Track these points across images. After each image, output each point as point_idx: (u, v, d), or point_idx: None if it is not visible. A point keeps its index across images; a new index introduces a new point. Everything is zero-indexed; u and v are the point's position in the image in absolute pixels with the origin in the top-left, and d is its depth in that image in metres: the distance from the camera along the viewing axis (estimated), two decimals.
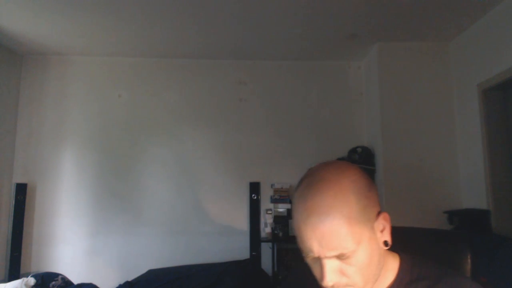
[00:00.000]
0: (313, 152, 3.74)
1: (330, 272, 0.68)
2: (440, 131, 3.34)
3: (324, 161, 0.77)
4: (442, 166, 3.29)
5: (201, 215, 3.69)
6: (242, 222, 3.67)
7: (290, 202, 3.57)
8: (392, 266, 0.78)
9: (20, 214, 3.43)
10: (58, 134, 3.72)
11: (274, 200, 3.65)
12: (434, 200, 3.20)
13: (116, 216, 3.64)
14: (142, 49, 3.67)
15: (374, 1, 2.71)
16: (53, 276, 2.75)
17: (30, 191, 3.56)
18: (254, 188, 3.61)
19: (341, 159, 3.51)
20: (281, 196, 3.63)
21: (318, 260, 0.69)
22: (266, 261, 3.47)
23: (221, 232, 3.66)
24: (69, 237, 3.59)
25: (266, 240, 3.50)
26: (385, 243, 0.73)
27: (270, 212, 3.63)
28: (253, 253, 3.44)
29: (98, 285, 2.80)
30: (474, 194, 3.05)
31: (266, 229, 3.61)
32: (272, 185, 3.68)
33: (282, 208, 3.63)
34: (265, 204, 3.68)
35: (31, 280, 2.54)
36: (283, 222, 3.54)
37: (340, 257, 0.68)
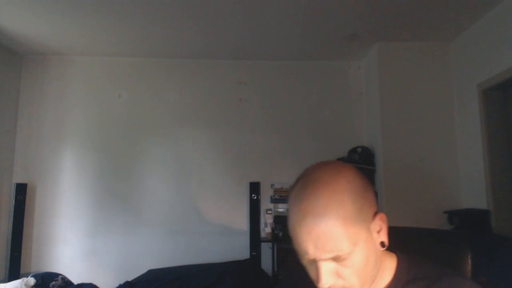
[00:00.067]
0: (313, 152, 3.74)
1: (326, 274, 0.67)
2: (440, 131, 3.34)
3: (320, 161, 0.77)
4: (442, 166, 3.29)
5: (201, 215, 3.69)
6: (242, 222, 3.67)
7: None
8: (389, 266, 0.77)
9: (20, 214, 3.43)
10: (58, 134, 3.72)
11: (274, 200, 3.65)
12: (434, 200, 3.20)
13: (116, 216, 3.64)
14: (142, 49, 3.67)
15: (374, 1, 2.71)
16: (53, 276, 2.75)
17: (30, 191, 3.56)
18: (254, 188, 3.61)
19: (341, 159, 3.51)
20: (281, 196, 3.63)
21: (314, 262, 0.68)
22: (266, 261, 3.47)
23: (221, 232, 3.66)
24: (69, 237, 3.59)
25: (266, 240, 3.50)
26: (382, 244, 0.72)
27: (270, 212, 3.63)
28: (253, 253, 3.44)
29: (98, 285, 2.80)
30: (474, 194, 3.05)
31: (266, 229, 3.61)
32: (272, 185, 3.68)
33: (282, 208, 3.63)
34: (265, 204, 3.68)
35: (31, 280, 2.54)
36: (283, 222, 3.53)
37: (336, 259, 0.67)
